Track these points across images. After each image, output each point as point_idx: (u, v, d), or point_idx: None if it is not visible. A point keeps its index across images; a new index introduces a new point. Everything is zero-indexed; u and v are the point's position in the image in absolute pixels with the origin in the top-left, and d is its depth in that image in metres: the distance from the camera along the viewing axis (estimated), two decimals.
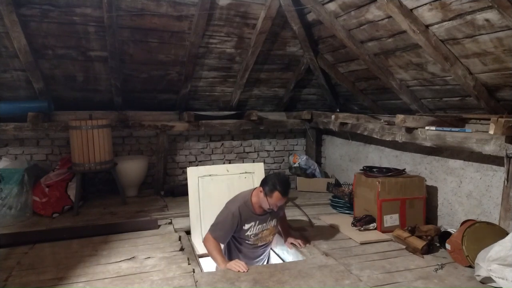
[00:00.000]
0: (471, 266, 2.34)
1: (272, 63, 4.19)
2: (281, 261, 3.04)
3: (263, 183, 2.52)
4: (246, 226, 2.57)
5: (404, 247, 2.71)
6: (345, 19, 3.14)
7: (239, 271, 2.31)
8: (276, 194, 2.43)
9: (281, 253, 3.16)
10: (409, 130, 3.03)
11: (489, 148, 2.46)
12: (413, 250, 2.61)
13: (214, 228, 2.54)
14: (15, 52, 3.29)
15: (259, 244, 2.68)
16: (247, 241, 2.62)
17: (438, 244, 2.72)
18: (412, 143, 3.13)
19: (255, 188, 2.64)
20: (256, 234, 2.62)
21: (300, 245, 2.78)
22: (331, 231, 3.09)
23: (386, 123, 3.39)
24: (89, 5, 3.11)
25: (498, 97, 2.69)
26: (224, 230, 2.52)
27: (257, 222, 2.59)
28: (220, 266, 2.42)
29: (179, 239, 2.90)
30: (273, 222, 2.70)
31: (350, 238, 2.89)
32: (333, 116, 4.09)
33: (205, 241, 2.55)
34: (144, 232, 3.05)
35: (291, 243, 2.82)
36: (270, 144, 4.96)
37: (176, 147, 4.56)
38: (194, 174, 3.17)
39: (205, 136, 4.67)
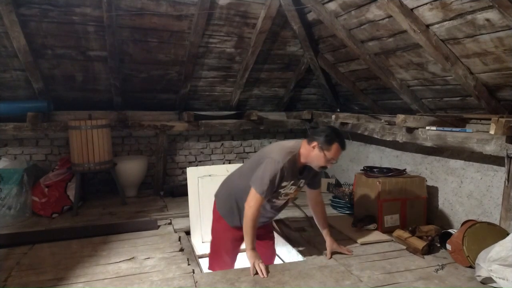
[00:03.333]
0: (471, 267, 2.33)
1: (272, 62, 4.18)
2: (281, 262, 3.03)
3: (316, 136, 2.21)
4: (284, 184, 2.24)
5: (404, 247, 2.70)
6: (346, 18, 3.13)
7: (256, 274, 2.18)
8: (336, 146, 2.18)
9: (281, 253, 3.15)
10: (410, 130, 3.03)
11: (490, 148, 2.45)
12: (414, 251, 2.60)
13: (261, 183, 2.15)
14: (15, 52, 3.28)
15: (279, 206, 2.41)
16: (273, 200, 2.32)
17: (438, 245, 2.71)
18: (412, 143, 3.13)
19: (298, 141, 2.30)
20: (286, 194, 2.33)
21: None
22: (331, 232, 3.08)
23: (387, 123, 3.38)
24: (89, 4, 3.10)
25: (499, 97, 2.68)
26: (272, 186, 2.17)
27: (294, 181, 2.29)
28: (246, 246, 2.18)
29: (179, 240, 2.89)
30: (302, 185, 2.40)
31: (351, 239, 2.88)
32: (333, 116, 4.08)
33: (251, 201, 2.17)
34: (143, 232, 3.04)
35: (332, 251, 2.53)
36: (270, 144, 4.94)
37: (175, 147, 4.56)
38: (193, 174, 3.16)
39: (205, 136, 4.67)
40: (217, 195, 2.52)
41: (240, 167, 2.51)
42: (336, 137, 2.21)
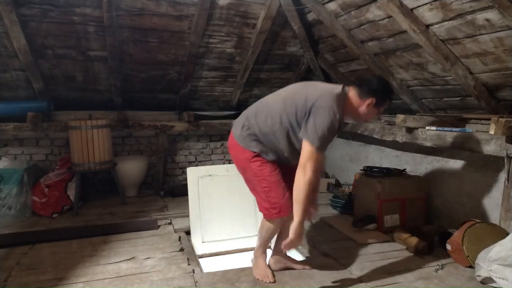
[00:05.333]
0: (471, 267, 2.34)
1: (272, 63, 4.18)
2: None
3: (373, 91, 2.02)
4: None
5: (404, 247, 2.70)
6: (345, 18, 3.14)
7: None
8: (389, 101, 2.10)
9: None
10: (410, 130, 3.03)
11: (490, 148, 2.45)
12: (414, 251, 2.61)
13: (322, 136, 1.90)
14: (15, 52, 3.28)
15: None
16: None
17: (438, 245, 2.72)
18: (412, 143, 3.12)
19: (338, 87, 2.05)
20: None
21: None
22: (331, 232, 3.09)
23: (387, 123, 3.38)
24: (89, 4, 3.10)
25: (499, 97, 2.68)
26: (330, 140, 1.96)
27: None
28: (296, 217, 1.93)
29: (179, 240, 2.89)
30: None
31: (350, 239, 2.89)
32: None
33: (308, 160, 1.91)
34: (143, 232, 3.04)
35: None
36: None
37: (175, 147, 4.56)
38: (194, 174, 3.16)
39: (205, 136, 4.67)
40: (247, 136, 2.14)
41: (266, 105, 2.16)
42: (391, 92, 2.13)
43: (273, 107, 2.10)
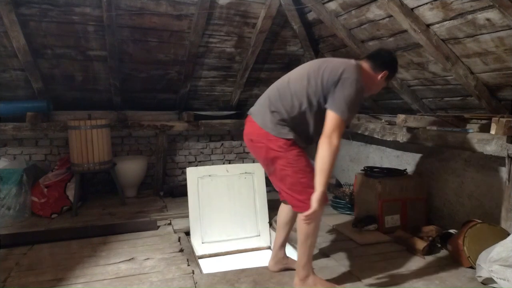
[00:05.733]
0: (472, 267, 2.33)
1: (272, 62, 4.17)
2: None
3: (384, 64, 2.10)
4: None
5: (405, 248, 2.69)
6: (346, 18, 3.13)
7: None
8: (394, 76, 2.20)
9: None
10: (410, 130, 3.02)
11: (491, 148, 2.44)
12: (414, 251, 2.60)
13: (350, 107, 1.91)
14: (14, 52, 3.28)
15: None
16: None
17: (439, 245, 2.71)
18: (413, 143, 3.12)
19: (351, 61, 2.06)
20: None
21: None
22: (331, 232, 3.08)
23: (387, 123, 3.37)
24: (89, 4, 3.09)
25: (500, 97, 2.68)
26: (355, 112, 2.01)
27: None
28: (320, 187, 1.87)
29: (179, 240, 2.89)
30: None
31: (351, 239, 2.88)
32: None
33: (335, 130, 1.89)
34: (143, 233, 3.03)
35: None
36: None
37: (175, 147, 4.55)
38: (193, 175, 3.15)
39: (205, 136, 4.66)
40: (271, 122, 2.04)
41: (287, 86, 2.08)
42: (398, 64, 2.22)
43: (296, 86, 2.03)
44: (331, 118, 1.91)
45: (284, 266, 2.38)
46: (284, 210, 2.37)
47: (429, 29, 2.54)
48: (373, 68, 2.11)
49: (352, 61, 2.05)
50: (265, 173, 3.11)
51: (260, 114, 2.09)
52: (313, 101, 1.99)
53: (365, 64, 2.11)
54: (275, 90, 2.11)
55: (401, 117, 2.94)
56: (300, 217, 1.98)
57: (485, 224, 2.50)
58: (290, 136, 2.02)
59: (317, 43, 3.90)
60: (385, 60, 2.14)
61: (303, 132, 2.07)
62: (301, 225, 2.02)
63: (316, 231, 2.08)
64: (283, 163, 2.02)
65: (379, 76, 2.10)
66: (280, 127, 2.02)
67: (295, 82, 2.05)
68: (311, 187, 1.94)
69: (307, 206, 1.93)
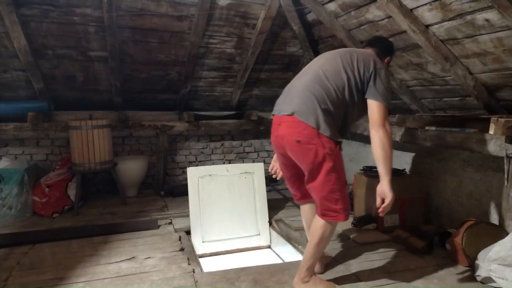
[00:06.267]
0: (471, 266, 2.34)
1: (272, 63, 4.19)
2: (281, 261, 3.04)
3: (388, 50, 2.23)
4: None
5: (404, 247, 2.71)
6: (345, 19, 3.14)
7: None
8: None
9: (281, 253, 3.16)
10: (409, 130, 3.03)
11: (489, 148, 2.46)
12: (413, 250, 2.61)
13: (389, 96, 1.97)
14: (15, 52, 3.29)
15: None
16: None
17: (438, 244, 2.72)
18: (412, 143, 3.13)
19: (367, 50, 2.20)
20: None
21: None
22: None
23: None
24: (89, 5, 3.11)
25: (498, 97, 2.69)
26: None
27: None
28: (387, 176, 1.91)
29: (179, 239, 2.90)
30: None
31: (350, 238, 2.89)
32: None
33: (385, 119, 1.92)
34: (144, 232, 3.04)
35: None
36: (270, 144, 4.96)
37: (176, 147, 4.56)
38: (194, 174, 3.17)
39: (205, 136, 4.67)
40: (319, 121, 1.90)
41: (323, 78, 1.96)
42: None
43: (337, 80, 1.95)
44: (379, 107, 1.92)
45: (326, 262, 2.38)
46: (309, 212, 2.30)
47: (428, 30, 2.56)
48: (379, 55, 2.18)
49: (370, 51, 2.18)
50: (266, 173, 3.10)
51: (310, 113, 1.89)
52: (354, 96, 1.97)
53: (372, 52, 2.19)
54: (315, 86, 1.94)
55: (400, 117, 2.95)
56: (330, 220, 1.96)
57: (484, 224, 2.51)
58: (339, 138, 1.96)
59: (317, 43, 3.91)
60: (387, 46, 2.27)
61: (341, 130, 2.04)
62: (318, 228, 1.99)
63: (331, 235, 2.05)
64: (330, 168, 1.92)
65: (385, 62, 2.20)
66: (332, 128, 1.92)
67: (334, 76, 1.95)
68: (346, 198, 1.96)
69: (341, 216, 1.95)
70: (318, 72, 1.99)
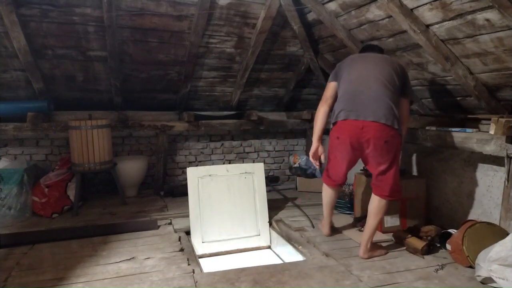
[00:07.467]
0: (471, 267, 2.34)
1: (272, 63, 4.18)
2: (281, 262, 3.03)
3: (382, 51, 2.74)
4: None
5: (404, 247, 2.70)
6: (346, 18, 3.14)
7: None
8: None
9: (281, 253, 3.16)
10: (410, 130, 3.03)
11: (490, 148, 2.45)
12: (414, 251, 2.60)
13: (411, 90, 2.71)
14: (15, 52, 3.28)
15: None
16: None
17: (438, 245, 2.72)
18: (412, 143, 3.13)
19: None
20: None
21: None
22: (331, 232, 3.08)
23: None
24: (89, 5, 3.10)
25: (499, 97, 2.68)
26: None
27: None
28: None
29: (179, 240, 2.89)
30: None
31: (351, 239, 2.89)
32: None
33: (409, 111, 2.64)
34: (143, 232, 3.04)
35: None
36: (270, 144, 4.95)
37: (176, 147, 4.56)
38: (194, 174, 3.16)
39: (205, 136, 4.67)
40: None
41: (370, 85, 2.47)
42: None
43: (393, 83, 2.45)
44: (408, 104, 2.61)
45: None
46: (335, 195, 2.90)
47: (428, 30, 2.55)
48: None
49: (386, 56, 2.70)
50: (266, 173, 3.10)
51: (391, 117, 2.38)
52: (398, 94, 2.50)
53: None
54: (386, 92, 2.41)
55: None
56: (384, 200, 2.51)
57: (484, 224, 2.51)
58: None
59: (317, 43, 3.91)
60: (382, 51, 2.72)
61: None
62: (383, 207, 2.52)
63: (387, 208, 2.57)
64: (397, 153, 2.51)
65: None
66: (396, 119, 2.43)
67: (392, 81, 2.46)
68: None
69: (400, 195, 2.58)
70: (381, 79, 2.44)
